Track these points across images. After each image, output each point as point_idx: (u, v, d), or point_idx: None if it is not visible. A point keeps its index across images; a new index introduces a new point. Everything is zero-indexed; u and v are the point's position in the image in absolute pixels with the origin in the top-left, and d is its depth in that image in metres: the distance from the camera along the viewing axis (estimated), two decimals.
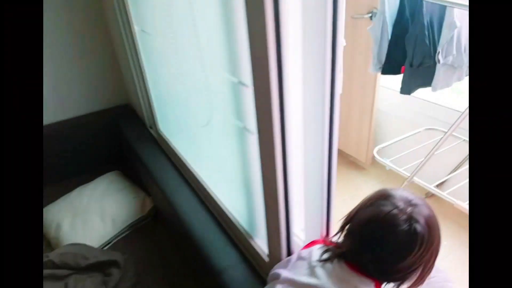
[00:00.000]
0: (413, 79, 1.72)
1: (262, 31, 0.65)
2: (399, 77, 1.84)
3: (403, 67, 1.73)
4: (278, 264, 0.93)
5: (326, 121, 0.80)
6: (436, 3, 1.52)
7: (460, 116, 1.56)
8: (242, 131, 0.98)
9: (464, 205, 1.59)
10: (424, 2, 1.56)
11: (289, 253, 0.98)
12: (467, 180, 1.59)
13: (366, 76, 2.15)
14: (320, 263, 0.81)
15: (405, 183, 1.82)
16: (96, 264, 1.54)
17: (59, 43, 1.96)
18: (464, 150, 1.92)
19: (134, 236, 1.74)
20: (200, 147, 1.38)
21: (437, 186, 1.80)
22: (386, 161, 1.89)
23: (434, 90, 1.71)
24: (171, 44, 1.25)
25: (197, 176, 1.43)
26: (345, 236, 0.82)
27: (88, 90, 2.14)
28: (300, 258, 0.87)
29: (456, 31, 1.56)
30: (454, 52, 1.60)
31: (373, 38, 1.80)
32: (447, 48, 1.59)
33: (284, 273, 0.86)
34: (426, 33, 1.58)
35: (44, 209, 1.84)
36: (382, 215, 0.72)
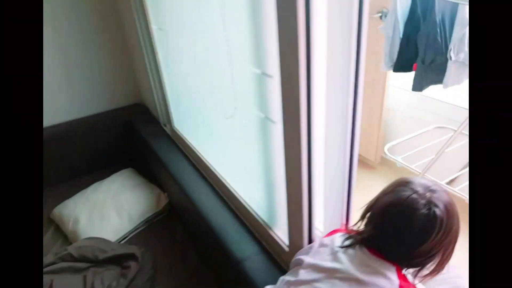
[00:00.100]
0: (425, 76, 1.74)
1: (293, 23, 0.68)
2: (407, 76, 1.86)
3: (414, 64, 1.76)
4: (300, 251, 0.95)
5: (350, 112, 0.82)
6: (448, 1, 1.55)
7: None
8: (264, 121, 1.00)
9: None
10: (436, 1, 1.59)
11: (310, 243, 1.00)
12: None
13: (375, 76, 2.17)
14: (342, 249, 0.84)
15: None
16: (114, 257, 1.57)
17: (74, 45, 2.01)
18: None
19: (149, 231, 1.77)
20: (220, 140, 1.41)
21: (448, 183, 1.82)
22: (398, 158, 1.92)
23: (445, 87, 1.73)
24: (195, 40, 1.28)
25: (214, 171, 1.46)
26: (366, 224, 0.85)
27: (101, 90, 2.18)
28: (322, 245, 0.89)
29: (468, 28, 1.58)
30: (466, 49, 1.62)
31: (385, 36, 1.83)
32: (459, 45, 1.61)
33: (307, 259, 0.88)
34: (438, 30, 1.60)
35: (61, 205, 1.88)
36: (402, 200, 0.75)
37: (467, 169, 1.98)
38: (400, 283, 0.76)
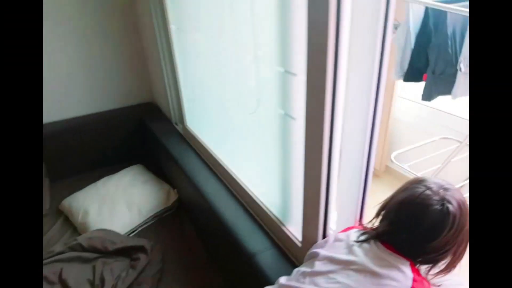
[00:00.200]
0: (434, 86, 1.79)
1: (324, 22, 0.72)
2: (413, 86, 1.90)
3: (424, 74, 1.81)
4: (315, 244, 0.98)
5: (370, 114, 0.86)
6: (460, 14, 1.60)
7: None
8: (284, 118, 1.04)
9: None
10: (448, 13, 1.64)
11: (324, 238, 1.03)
12: None
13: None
14: (358, 244, 0.86)
15: None
16: (124, 249, 1.60)
17: (90, 45, 2.06)
18: None
19: (158, 225, 1.80)
20: (237, 137, 1.44)
21: None
22: (404, 166, 1.95)
23: (454, 97, 1.77)
24: (218, 39, 1.32)
25: (226, 167, 1.49)
26: (380, 220, 0.88)
27: (116, 87, 2.23)
28: (337, 239, 0.92)
29: None
30: None
31: (397, 47, 1.88)
32: None
33: (323, 252, 0.91)
34: (449, 42, 1.65)
35: (71, 197, 1.91)
36: (416, 196, 0.78)
37: None
38: (414, 276, 0.78)
